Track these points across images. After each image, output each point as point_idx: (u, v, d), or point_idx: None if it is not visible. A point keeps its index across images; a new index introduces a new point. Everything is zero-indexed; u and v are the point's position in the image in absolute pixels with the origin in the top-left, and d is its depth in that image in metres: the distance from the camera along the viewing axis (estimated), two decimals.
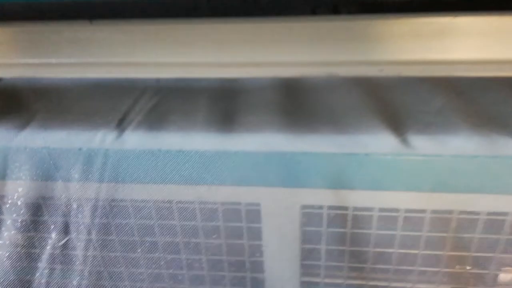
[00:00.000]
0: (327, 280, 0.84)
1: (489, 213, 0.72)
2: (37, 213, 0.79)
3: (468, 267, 0.78)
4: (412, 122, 0.75)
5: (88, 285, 0.85)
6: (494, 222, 0.73)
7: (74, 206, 0.76)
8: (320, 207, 0.75)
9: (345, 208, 0.75)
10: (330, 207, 0.75)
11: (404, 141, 0.71)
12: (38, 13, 0.74)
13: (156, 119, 0.79)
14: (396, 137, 0.72)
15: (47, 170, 0.76)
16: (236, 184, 0.70)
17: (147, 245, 0.82)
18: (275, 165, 0.70)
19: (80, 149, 0.74)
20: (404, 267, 0.80)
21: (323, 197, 0.74)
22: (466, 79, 0.85)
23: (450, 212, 0.73)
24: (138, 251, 0.82)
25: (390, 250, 0.78)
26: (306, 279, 0.84)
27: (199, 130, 0.72)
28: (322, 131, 0.72)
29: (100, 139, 0.75)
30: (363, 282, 0.82)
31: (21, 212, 0.77)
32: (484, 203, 0.70)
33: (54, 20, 0.73)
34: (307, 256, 0.81)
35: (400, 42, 0.63)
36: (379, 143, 0.71)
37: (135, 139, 0.74)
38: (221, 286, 0.87)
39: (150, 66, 0.76)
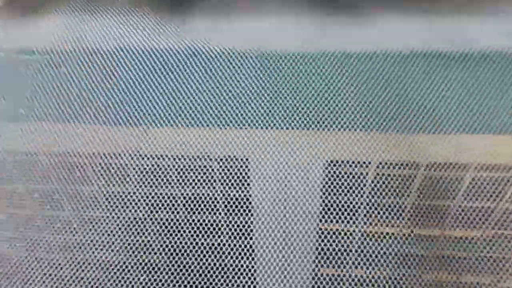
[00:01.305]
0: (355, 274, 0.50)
1: None
2: None
3: None
4: None
5: None
6: None
7: None
8: (362, 164, 0.39)
9: (413, 166, 0.39)
10: (383, 164, 0.38)
11: None
12: None
13: None
14: None
15: None
16: (202, 123, 0.33)
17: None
18: (279, 78, 0.33)
19: None
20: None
21: (369, 147, 0.37)
22: None
23: None
24: None
25: (479, 233, 0.44)
26: (325, 276, 0.50)
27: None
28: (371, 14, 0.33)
29: None
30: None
31: None
32: None
33: None
34: (331, 243, 0.47)
35: None
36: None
37: None
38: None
39: None
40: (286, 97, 0.37)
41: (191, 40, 0.38)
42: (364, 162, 0.41)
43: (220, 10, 0.40)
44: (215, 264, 0.46)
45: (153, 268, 0.51)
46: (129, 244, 0.48)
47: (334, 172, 0.42)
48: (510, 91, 0.36)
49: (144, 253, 0.49)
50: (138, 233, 0.46)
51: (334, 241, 0.47)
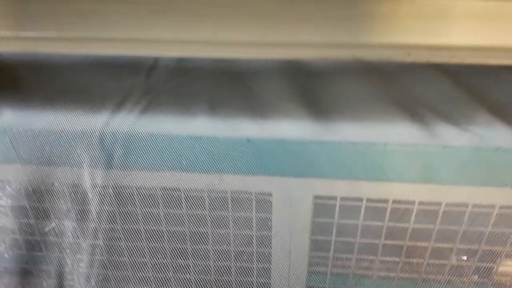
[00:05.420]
0: (334, 271, 0.82)
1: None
2: (37, 199, 0.75)
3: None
4: (431, 111, 0.72)
5: (92, 274, 0.82)
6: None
7: (73, 192, 0.72)
8: (333, 198, 0.73)
9: (359, 200, 0.72)
10: (344, 198, 0.72)
11: (425, 130, 0.68)
12: None
13: (160, 100, 0.75)
14: (415, 126, 0.69)
15: (46, 153, 0.71)
16: (247, 173, 0.67)
17: (153, 234, 0.78)
18: (288, 153, 0.66)
19: (81, 131, 0.70)
20: (415, 260, 0.78)
21: (336, 188, 0.71)
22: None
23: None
24: (144, 240, 0.78)
25: (403, 243, 0.75)
26: (314, 269, 0.81)
27: (207, 114, 0.68)
28: (336, 119, 0.68)
29: (100, 121, 0.70)
30: (372, 273, 0.80)
31: (21, 197, 0.73)
32: None
33: None
34: (317, 248, 0.79)
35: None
36: (397, 132, 0.68)
37: (135, 122, 0.70)
38: (227, 275, 0.84)
39: (151, 42, 0.71)
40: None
41: None
42: (334, 197, 0.75)
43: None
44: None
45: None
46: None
47: (319, 202, 0.75)
48: None
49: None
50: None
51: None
